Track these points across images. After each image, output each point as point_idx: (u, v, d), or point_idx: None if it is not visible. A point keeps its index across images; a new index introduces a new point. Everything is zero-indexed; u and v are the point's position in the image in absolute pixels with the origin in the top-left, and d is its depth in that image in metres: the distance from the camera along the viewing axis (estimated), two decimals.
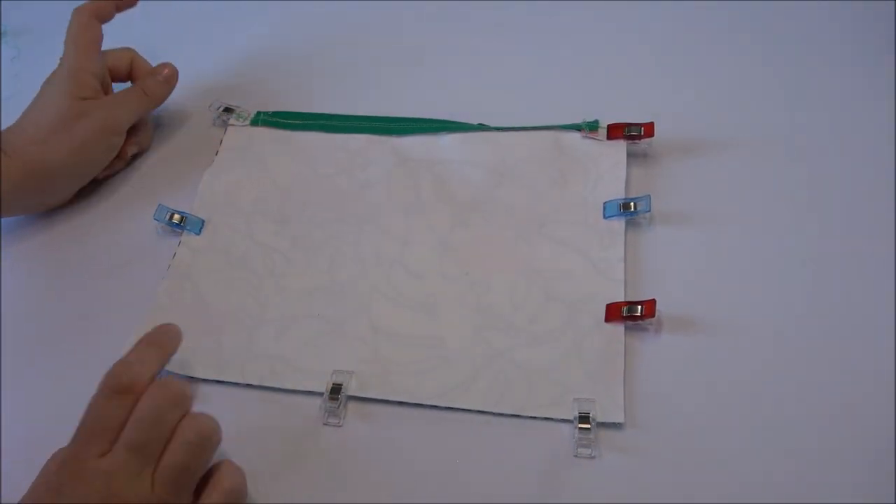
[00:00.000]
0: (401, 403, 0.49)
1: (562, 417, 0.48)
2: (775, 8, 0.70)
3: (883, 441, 0.45)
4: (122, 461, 0.40)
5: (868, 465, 0.45)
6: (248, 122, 0.65)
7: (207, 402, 0.48)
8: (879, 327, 0.50)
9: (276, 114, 0.66)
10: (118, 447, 0.41)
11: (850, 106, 0.62)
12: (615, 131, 0.60)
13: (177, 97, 0.65)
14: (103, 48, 0.61)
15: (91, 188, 0.62)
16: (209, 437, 0.43)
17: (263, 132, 0.65)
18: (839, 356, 0.49)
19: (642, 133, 0.59)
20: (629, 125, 0.60)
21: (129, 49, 0.65)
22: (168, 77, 0.64)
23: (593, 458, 0.46)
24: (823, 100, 0.63)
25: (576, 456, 0.46)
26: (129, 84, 0.64)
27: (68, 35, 0.60)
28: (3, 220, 0.61)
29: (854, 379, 0.48)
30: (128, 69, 0.64)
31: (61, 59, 0.60)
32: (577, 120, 0.62)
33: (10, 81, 0.72)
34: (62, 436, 0.44)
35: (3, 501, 0.46)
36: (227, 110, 0.66)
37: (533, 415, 0.48)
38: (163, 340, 0.47)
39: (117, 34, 0.63)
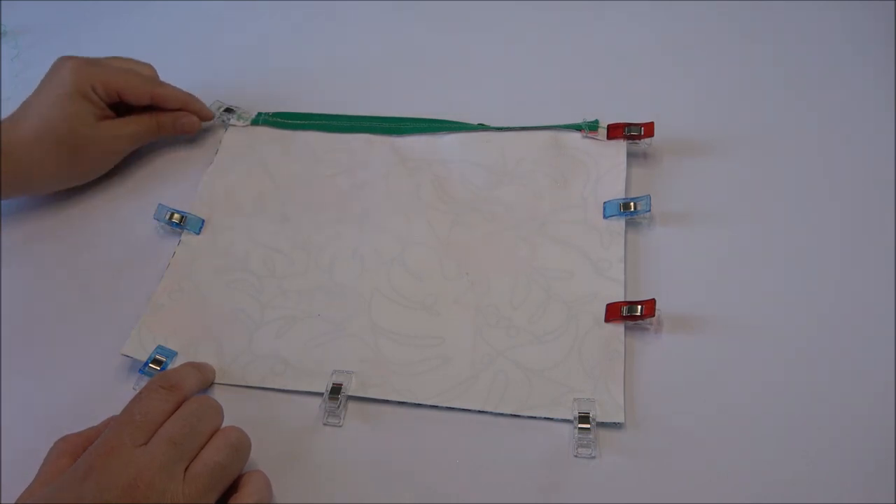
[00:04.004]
0: (401, 403, 0.49)
1: (562, 417, 0.48)
2: (775, 8, 0.70)
3: (883, 441, 0.45)
4: (160, 452, 0.41)
5: (868, 465, 0.45)
6: (248, 122, 0.66)
7: None
8: (880, 326, 0.50)
9: (276, 114, 0.66)
10: (157, 438, 0.42)
11: (850, 105, 0.62)
12: (615, 131, 0.60)
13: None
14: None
15: (91, 187, 0.62)
16: (247, 445, 0.45)
17: (263, 132, 0.65)
18: (839, 355, 0.49)
19: (642, 133, 0.59)
20: (629, 125, 0.60)
21: (149, 81, 0.61)
22: (187, 126, 0.63)
23: (593, 458, 0.46)
24: (823, 99, 0.63)
25: (576, 456, 0.46)
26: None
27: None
28: (3, 218, 0.61)
29: (854, 378, 0.48)
30: (145, 99, 0.61)
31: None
32: (577, 120, 0.62)
33: (10, 81, 0.72)
34: (60, 434, 0.45)
35: (3, 494, 0.46)
36: (228, 111, 0.66)
37: (533, 415, 0.48)
38: (203, 367, 0.51)
39: (119, 35, 0.62)
